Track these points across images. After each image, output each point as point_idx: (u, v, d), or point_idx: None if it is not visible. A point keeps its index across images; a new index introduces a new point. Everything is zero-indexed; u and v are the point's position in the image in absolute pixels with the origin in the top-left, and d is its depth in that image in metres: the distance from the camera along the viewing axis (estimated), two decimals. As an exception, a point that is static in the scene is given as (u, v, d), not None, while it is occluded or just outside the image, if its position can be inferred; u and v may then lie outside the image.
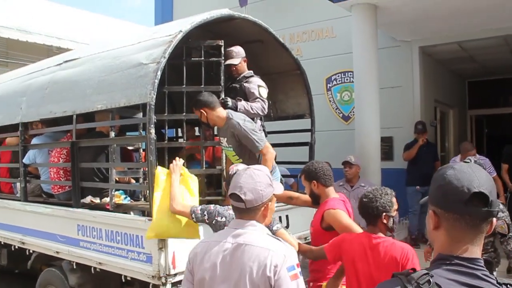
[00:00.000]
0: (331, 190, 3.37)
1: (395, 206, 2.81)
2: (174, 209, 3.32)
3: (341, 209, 3.24)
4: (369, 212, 2.75)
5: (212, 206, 3.19)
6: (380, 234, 2.76)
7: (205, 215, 3.13)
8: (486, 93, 10.83)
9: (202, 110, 3.79)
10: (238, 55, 4.49)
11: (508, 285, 1.22)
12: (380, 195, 2.76)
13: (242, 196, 2.01)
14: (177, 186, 3.42)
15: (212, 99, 3.82)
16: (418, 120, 7.22)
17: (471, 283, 1.20)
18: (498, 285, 1.21)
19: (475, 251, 1.26)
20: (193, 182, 3.61)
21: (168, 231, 3.42)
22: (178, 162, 3.55)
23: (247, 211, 2.04)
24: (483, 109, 11.17)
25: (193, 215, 3.20)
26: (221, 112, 3.84)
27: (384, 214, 2.72)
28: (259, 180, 2.05)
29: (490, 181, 1.27)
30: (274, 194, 2.14)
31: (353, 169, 5.40)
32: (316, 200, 3.41)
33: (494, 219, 1.26)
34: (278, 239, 2.05)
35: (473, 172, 1.25)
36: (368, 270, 2.70)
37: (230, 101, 4.14)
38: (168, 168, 3.57)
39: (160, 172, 3.52)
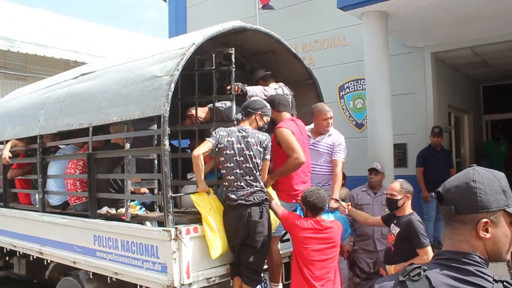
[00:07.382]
0: (284, 115, 4.27)
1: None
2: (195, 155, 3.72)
3: (289, 128, 4.00)
4: (319, 206, 3.67)
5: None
6: (323, 217, 3.78)
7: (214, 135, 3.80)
8: (502, 97, 10.71)
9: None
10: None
11: (505, 282, 1.19)
12: (319, 191, 3.70)
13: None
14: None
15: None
16: (436, 125, 7.20)
17: (462, 278, 1.20)
18: (494, 282, 1.19)
19: (463, 246, 1.26)
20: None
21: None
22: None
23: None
24: (498, 114, 11.05)
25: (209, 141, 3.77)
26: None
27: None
28: None
29: (456, 178, 1.33)
30: None
31: (379, 176, 5.20)
32: (274, 124, 4.22)
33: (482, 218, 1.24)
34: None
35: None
36: (317, 243, 3.61)
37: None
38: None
39: (195, 199, 3.80)
